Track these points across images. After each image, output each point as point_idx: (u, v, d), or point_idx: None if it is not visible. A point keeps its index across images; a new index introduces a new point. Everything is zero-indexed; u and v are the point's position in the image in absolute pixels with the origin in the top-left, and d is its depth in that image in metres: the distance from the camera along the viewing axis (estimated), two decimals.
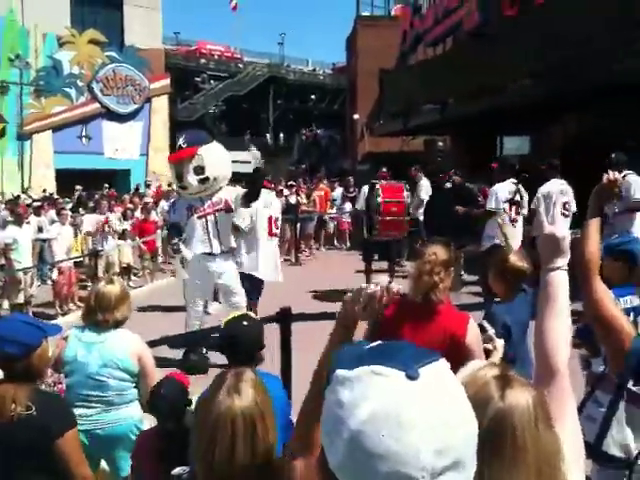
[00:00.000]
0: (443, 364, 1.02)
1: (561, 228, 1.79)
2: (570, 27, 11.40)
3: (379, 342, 1.07)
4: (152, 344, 5.18)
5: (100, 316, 3.22)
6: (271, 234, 7.42)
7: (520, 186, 7.45)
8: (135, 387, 3.39)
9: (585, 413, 2.51)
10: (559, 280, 1.73)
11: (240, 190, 7.00)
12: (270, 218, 7.37)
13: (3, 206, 14.87)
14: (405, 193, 9.44)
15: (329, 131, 44.30)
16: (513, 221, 7.39)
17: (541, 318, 1.71)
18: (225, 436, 1.58)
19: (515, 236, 7.23)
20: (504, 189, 7.47)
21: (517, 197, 7.41)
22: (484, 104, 13.88)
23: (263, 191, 7.35)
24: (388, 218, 9.19)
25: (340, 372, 1.00)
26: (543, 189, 7.74)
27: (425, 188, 11.18)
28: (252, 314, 3.20)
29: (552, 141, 14.41)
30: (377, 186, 9.54)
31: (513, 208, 7.38)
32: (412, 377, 0.95)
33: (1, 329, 2.38)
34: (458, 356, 2.73)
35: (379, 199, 9.16)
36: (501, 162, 7.95)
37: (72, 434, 2.35)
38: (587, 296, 2.36)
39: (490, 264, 3.69)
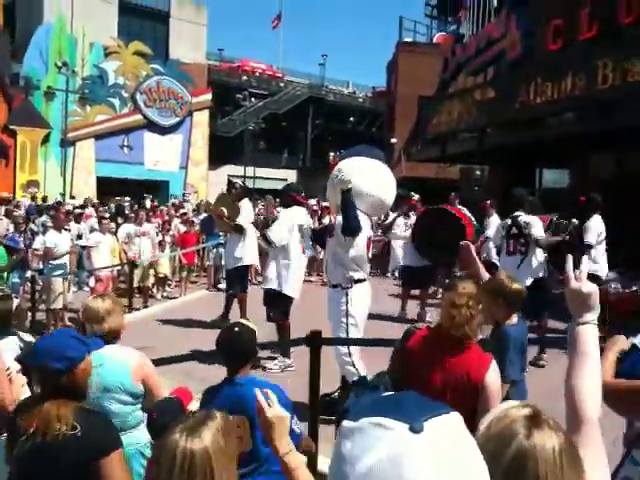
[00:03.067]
0: (453, 417, 0.97)
1: (588, 284, 1.78)
2: (614, 64, 11.38)
3: (388, 393, 1.06)
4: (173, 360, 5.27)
5: (89, 329, 3.17)
6: (303, 250, 7.50)
7: (521, 218, 7.38)
8: (141, 409, 3.24)
9: (622, 474, 2.39)
10: (588, 335, 1.72)
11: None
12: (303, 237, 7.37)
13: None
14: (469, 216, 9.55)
15: None
16: (510, 254, 7.39)
17: (571, 371, 1.70)
18: (164, 469, 1.59)
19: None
20: (500, 225, 7.83)
21: (514, 230, 7.39)
22: (523, 135, 13.84)
23: (299, 208, 7.39)
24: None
25: (345, 423, 0.98)
26: (589, 237, 7.82)
27: (494, 226, 10.24)
28: (246, 322, 3.24)
29: (591, 176, 14.29)
30: (449, 209, 9.45)
31: (511, 242, 7.39)
32: (416, 430, 0.91)
33: (46, 344, 2.35)
34: (474, 396, 2.76)
35: (461, 221, 9.05)
36: (510, 194, 7.94)
37: (117, 455, 2.28)
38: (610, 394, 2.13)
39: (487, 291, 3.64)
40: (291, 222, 7.08)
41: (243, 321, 3.27)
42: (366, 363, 5.20)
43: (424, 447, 0.89)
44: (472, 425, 2.50)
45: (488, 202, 11.40)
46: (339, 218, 5.26)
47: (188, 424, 1.65)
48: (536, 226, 7.28)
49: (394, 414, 0.93)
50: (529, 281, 6.94)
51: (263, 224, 7.30)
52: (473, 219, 9.67)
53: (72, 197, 23.90)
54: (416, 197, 10.68)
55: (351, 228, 5.13)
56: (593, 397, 1.65)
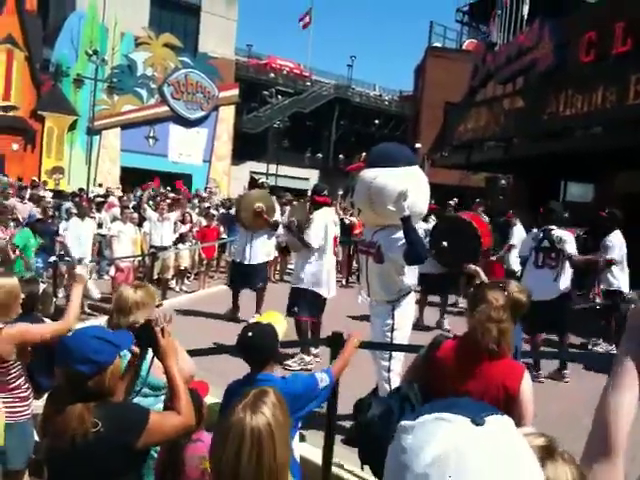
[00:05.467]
0: (508, 419, 1.00)
1: None
2: None
3: (439, 400, 1.07)
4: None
5: (116, 319, 3.13)
6: (334, 253, 7.48)
7: (554, 232, 7.31)
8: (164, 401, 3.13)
9: None
10: (631, 371, 1.63)
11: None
12: (335, 238, 7.39)
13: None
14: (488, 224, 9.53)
15: None
16: (539, 267, 7.34)
17: (609, 390, 1.63)
18: (231, 448, 1.72)
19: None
20: (529, 236, 7.64)
21: (545, 243, 7.32)
22: (551, 147, 13.74)
23: (328, 209, 7.45)
24: (485, 248, 9.19)
25: (403, 422, 0.99)
26: (612, 253, 7.86)
27: (518, 235, 10.46)
28: (273, 322, 3.25)
29: (616, 192, 14.16)
30: (466, 217, 9.47)
31: (540, 255, 7.33)
32: (478, 423, 0.93)
33: (72, 346, 2.24)
34: (509, 409, 2.71)
35: (476, 230, 9.06)
36: (546, 208, 7.87)
37: (154, 418, 2.27)
38: None
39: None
40: (324, 223, 7.13)
41: (264, 320, 3.28)
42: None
43: (488, 438, 0.92)
44: None
45: (511, 212, 11.39)
46: (385, 238, 4.83)
47: (247, 401, 1.79)
48: (570, 242, 7.23)
49: (454, 409, 0.96)
50: (556, 295, 6.92)
51: (298, 226, 7.28)
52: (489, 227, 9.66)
53: (100, 185, 23.99)
54: (452, 202, 10.64)
55: (421, 258, 4.69)
56: (624, 428, 1.58)
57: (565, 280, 7.23)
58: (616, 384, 1.64)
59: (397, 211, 4.63)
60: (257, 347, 3.02)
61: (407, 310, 5.07)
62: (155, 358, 2.77)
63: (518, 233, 10.60)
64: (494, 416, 0.96)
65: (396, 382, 4.93)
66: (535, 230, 7.64)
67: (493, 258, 10.27)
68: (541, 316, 6.89)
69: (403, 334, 5.02)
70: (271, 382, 2.90)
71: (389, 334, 5.00)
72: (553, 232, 7.27)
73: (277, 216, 9.20)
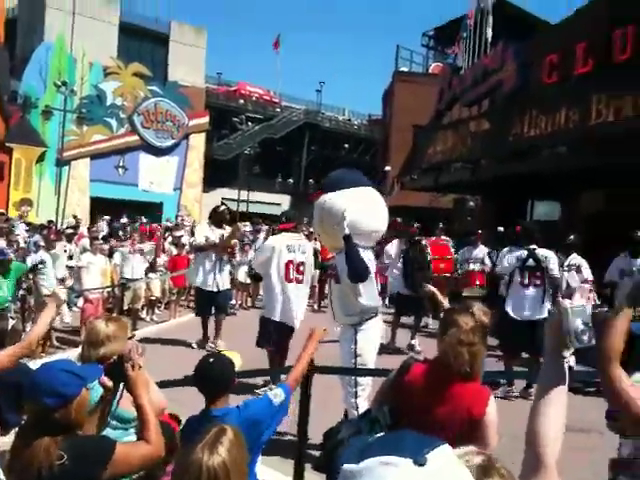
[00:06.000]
0: (447, 448, 1.04)
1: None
2: (608, 100, 11.53)
3: (381, 434, 1.09)
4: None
5: (87, 352, 3.08)
6: (288, 279, 7.04)
7: (538, 251, 7.41)
8: (135, 434, 3.05)
9: None
10: (561, 376, 1.71)
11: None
12: (288, 263, 7.04)
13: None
14: (452, 250, 9.59)
15: None
16: (525, 286, 7.40)
17: (538, 409, 1.69)
18: None
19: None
20: (512, 255, 7.52)
21: (530, 262, 7.40)
22: (517, 167, 13.95)
23: (286, 234, 7.28)
24: (436, 275, 9.28)
25: (347, 467, 1.01)
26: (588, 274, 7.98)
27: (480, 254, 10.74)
28: (228, 352, 3.26)
29: (581, 210, 14.40)
30: (424, 242, 9.65)
31: (526, 274, 7.40)
32: (421, 463, 0.96)
33: (39, 379, 2.26)
34: (474, 433, 2.74)
35: (429, 257, 9.27)
36: (523, 227, 7.97)
37: (121, 449, 2.27)
38: (607, 387, 2.25)
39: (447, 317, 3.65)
40: (271, 248, 7.06)
41: (219, 351, 3.29)
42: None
43: (430, 477, 0.96)
44: None
45: (479, 232, 11.56)
46: (340, 260, 4.90)
47: (206, 441, 1.88)
48: (555, 261, 7.37)
49: (395, 451, 0.98)
50: (544, 315, 6.98)
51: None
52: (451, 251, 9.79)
53: (74, 217, 23.50)
54: (415, 226, 10.76)
55: (360, 276, 4.79)
56: (556, 443, 1.65)
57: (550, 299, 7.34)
58: (541, 397, 1.68)
59: (339, 230, 4.76)
60: (214, 377, 3.01)
61: (370, 334, 5.04)
62: (125, 390, 2.75)
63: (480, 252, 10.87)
64: (435, 451, 0.99)
65: (364, 408, 4.92)
66: (514, 249, 7.60)
67: (456, 275, 10.27)
68: (526, 336, 6.98)
69: (366, 359, 4.99)
70: (228, 415, 2.91)
71: (352, 360, 5.00)
72: (537, 251, 7.36)
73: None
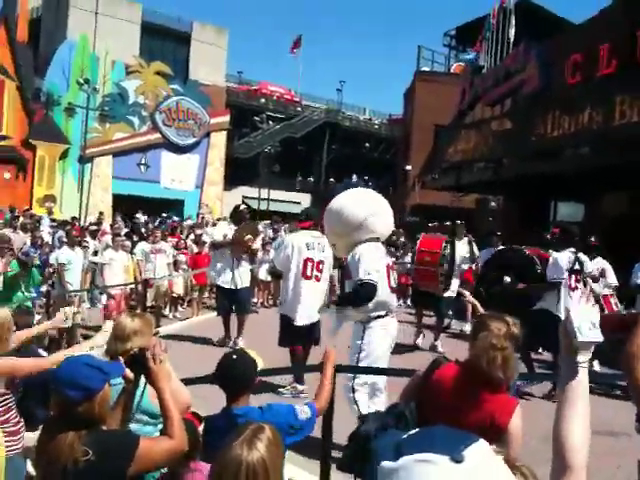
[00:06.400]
0: (484, 444, 1.03)
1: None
2: (632, 100, 11.42)
3: (415, 430, 1.09)
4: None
5: (114, 346, 3.15)
6: (306, 277, 7.06)
7: (580, 254, 7.39)
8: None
9: None
10: (578, 379, 1.70)
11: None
12: (306, 260, 7.07)
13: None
14: (443, 245, 9.35)
15: (378, 181, 44.64)
16: (573, 289, 7.32)
17: (560, 413, 1.69)
18: None
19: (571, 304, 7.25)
20: (564, 258, 7.40)
21: (576, 266, 7.34)
22: (540, 167, 13.86)
23: (307, 232, 7.31)
24: (421, 267, 9.21)
25: (386, 464, 1.01)
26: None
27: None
28: (248, 351, 3.25)
29: (604, 212, 14.27)
30: (418, 235, 9.71)
31: (572, 277, 7.33)
32: (458, 460, 0.96)
33: (63, 372, 2.30)
34: (496, 442, 2.75)
35: (415, 248, 9.29)
36: (563, 229, 7.89)
37: (144, 444, 2.30)
38: (636, 388, 2.23)
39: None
40: (290, 246, 7.09)
41: (242, 349, 3.30)
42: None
43: (469, 474, 0.95)
44: None
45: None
46: (351, 260, 5.04)
47: (244, 437, 1.88)
48: (589, 267, 7.38)
49: (432, 448, 0.98)
50: None
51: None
52: (444, 246, 9.69)
53: (100, 213, 23.63)
54: (435, 224, 10.77)
55: (367, 299, 4.91)
56: (582, 446, 1.64)
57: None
58: (565, 399, 1.67)
59: (346, 227, 5.17)
60: (235, 375, 3.01)
61: (378, 332, 5.05)
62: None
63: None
64: (472, 447, 0.99)
65: (363, 403, 4.95)
66: (564, 252, 7.46)
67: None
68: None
69: (370, 356, 5.00)
70: (249, 414, 2.91)
71: (356, 356, 5.03)
72: (580, 254, 7.34)
73: (257, 244, 9.53)
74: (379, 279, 4.94)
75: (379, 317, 5.04)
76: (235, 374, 3.02)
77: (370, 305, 4.95)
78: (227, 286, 9.17)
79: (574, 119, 13.07)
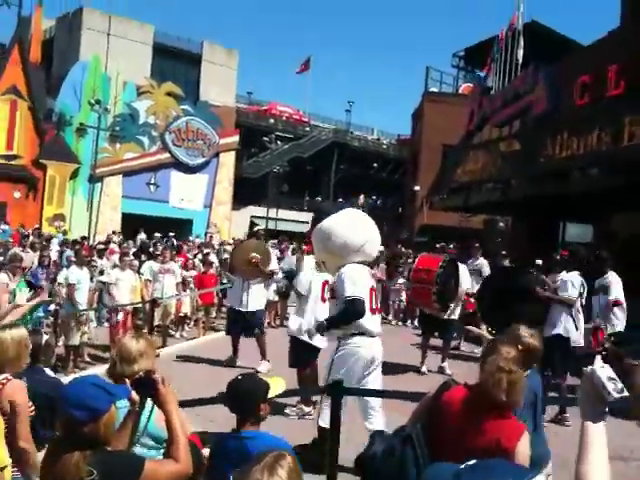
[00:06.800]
0: (541, 476, 1.05)
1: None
2: None
3: (473, 462, 1.09)
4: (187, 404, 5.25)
5: (120, 369, 3.12)
6: (324, 299, 7.08)
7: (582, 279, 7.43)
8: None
9: None
10: (595, 431, 1.73)
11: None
12: (324, 283, 7.08)
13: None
14: (440, 264, 9.28)
15: (386, 201, 44.73)
16: (579, 312, 7.38)
17: (579, 462, 1.70)
18: None
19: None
20: (577, 279, 7.42)
21: (582, 289, 7.37)
22: (548, 188, 13.85)
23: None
24: (417, 285, 9.18)
25: None
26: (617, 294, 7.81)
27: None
28: (268, 375, 3.23)
29: (615, 232, 14.22)
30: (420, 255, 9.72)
31: (581, 301, 7.36)
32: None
33: (69, 392, 2.30)
34: None
35: (412, 266, 9.26)
36: (571, 251, 7.89)
37: (149, 466, 2.30)
38: None
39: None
40: (310, 270, 7.16)
41: (267, 372, 3.29)
42: (386, 415, 5.15)
43: None
44: None
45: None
46: (337, 279, 5.29)
47: (265, 463, 1.80)
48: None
49: (495, 477, 1.03)
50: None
51: (290, 275, 7.34)
52: (440, 264, 9.63)
53: (114, 232, 23.60)
54: (451, 246, 10.75)
55: (353, 318, 5.13)
56: None
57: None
58: (589, 443, 1.69)
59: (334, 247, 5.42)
60: (242, 397, 2.99)
61: (350, 352, 5.16)
62: (158, 409, 2.77)
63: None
64: (530, 475, 1.05)
65: (325, 421, 4.92)
66: (574, 273, 7.47)
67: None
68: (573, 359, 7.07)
69: (340, 375, 5.02)
70: (257, 439, 2.89)
71: (327, 369, 5.27)
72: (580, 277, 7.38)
73: (273, 264, 9.38)
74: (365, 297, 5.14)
75: (355, 334, 5.18)
76: (241, 396, 3.00)
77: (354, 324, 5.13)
78: (237, 308, 9.22)
79: (583, 140, 13.06)
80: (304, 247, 7.78)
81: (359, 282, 5.16)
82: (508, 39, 22.19)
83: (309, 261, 7.27)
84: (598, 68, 13.93)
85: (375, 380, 5.29)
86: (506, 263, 10.36)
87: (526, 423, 3.21)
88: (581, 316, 7.40)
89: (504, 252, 11.47)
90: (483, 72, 26.28)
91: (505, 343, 2.97)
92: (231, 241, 20.61)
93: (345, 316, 5.13)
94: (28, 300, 4.91)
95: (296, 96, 59.24)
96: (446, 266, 9.11)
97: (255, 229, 9.91)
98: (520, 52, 21.10)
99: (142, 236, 20.87)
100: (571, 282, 7.35)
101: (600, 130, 12.57)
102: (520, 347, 3.16)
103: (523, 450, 2.75)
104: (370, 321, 5.22)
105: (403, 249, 17.98)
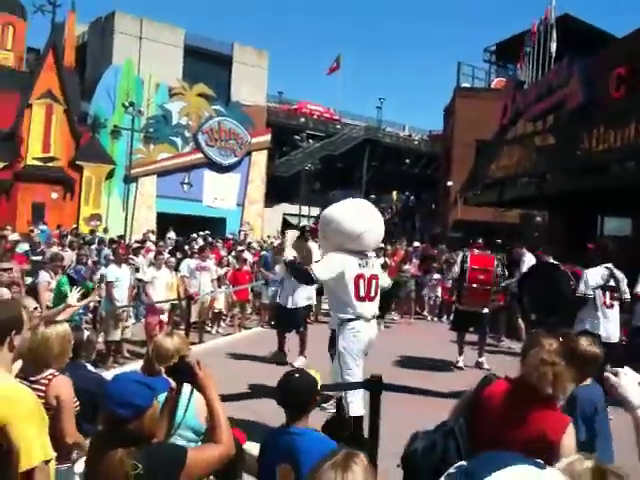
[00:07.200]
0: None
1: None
2: None
3: (479, 457, 1.13)
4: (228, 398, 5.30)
5: (158, 367, 3.20)
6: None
7: (615, 270, 7.23)
8: None
9: None
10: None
11: None
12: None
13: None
14: (496, 263, 9.35)
15: (419, 197, 44.48)
16: (609, 307, 7.20)
17: None
18: None
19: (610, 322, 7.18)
20: (596, 274, 7.28)
21: (612, 282, 7.20)
22: (584, 182, 13.65)
23: None
24: (474, 286, 9.11)
25: None
26: None
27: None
28: (309, 369, 3.24)
29: None
30: (466, 254, 9.61)
31: (607, 294, 7.19)
32: (542, 467, 1.04)
33: (112, 390, 2.30)
34: (548, 457, 2.70)
35: (466, 266, 9.17)
36: (598, 245, 7.75)
37: (192, 455, 2.31)
38: None
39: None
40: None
41: (304, 368, 3.30)
42: (423, 411, 5.13)
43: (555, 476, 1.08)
44: None
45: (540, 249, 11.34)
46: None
47: (337, 461, 1.75)
48: (625, 284, 7.21)
49: (512, 464, 1.06)
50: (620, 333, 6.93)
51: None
52: (496, 264, 9.57)
53: (152, 232, 23.62)
54: (480, 241, 10.65)
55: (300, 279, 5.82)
56: None
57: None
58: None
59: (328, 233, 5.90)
60: (297, 394, 3.00)
61: (348, 337, 5.55)
62: (197, 401, 2.80)
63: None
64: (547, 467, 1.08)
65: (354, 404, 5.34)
66: (597, 268, 7.36)
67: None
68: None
69: (347, 359, 5.49)
70: (305, 436, 2.91)
71: (337, 360, 5.67)
72: (615, 271, 7.20)
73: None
74: (329, 279, 5.60)
75: (349, 320, 5.54)
76: (297, 393, 3.00)
77: (337, 310, 5.64)
78: (282, 304, 9.43)
79: (620, 133, 12.84)
80: None
81: (330, 266, 5.58)
82: (540, 33, 21.89)
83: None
84: (634, 59, 13.68)
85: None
86: (550, 259, 10.17)
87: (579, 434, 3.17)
88: (610, 310, 7.21)
89: (544, 247, 11.30)
90: (515, 66, 25.97)
91: (546, 336, 2.95)
92: (266, 239, 20.68)
93: (298, 272, 5.74)
94: (78, 300, 5.01)
95: (326, 95, 59.29)
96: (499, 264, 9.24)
97: (304, 229, 9.98)
98: (553, 45, 20.80)
99: (171, 234, 21.00)
100: (585, 278, 7.26)
101: (637, 123, 12.35)
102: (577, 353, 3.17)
103: (569, 443, 2.72)
104: (361, 307, 5.58)
105: (435, 251, 17.76)
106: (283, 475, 2.84)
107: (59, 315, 4.28)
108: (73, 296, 4.88)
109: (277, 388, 3.06)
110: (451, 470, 1.14)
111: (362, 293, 5.61)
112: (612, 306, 7.20)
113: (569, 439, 2.74)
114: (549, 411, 2.79)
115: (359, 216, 5.66)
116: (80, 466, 3.07)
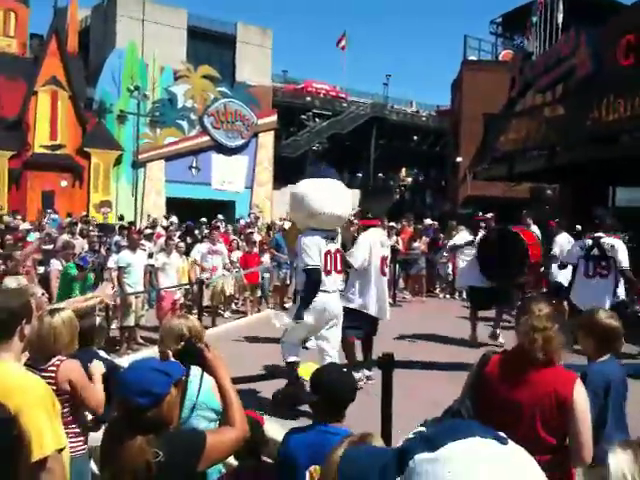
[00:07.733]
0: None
1: None
2: None
3: (439, 424, 1.11)
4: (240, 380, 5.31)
5: (173, 348, 3.07)
6: (383, 273, 7.28)
7: (604, 240, 7.16)
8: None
9: None
10: None
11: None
12: (383, 258, 7.24)
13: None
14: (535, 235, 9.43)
15: (429, 172, 44.27)
16: (590, 276, 7.20)
17: None
18: None
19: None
20: (577, 244, 7.43)
21: (595, 252, 7.17)
22: (595, 153, 13.50)
23: (377, 230, 7.46)
24: (534, 261, 8.99)
25: (423, 456, 1.02)
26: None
27: (559, 245, 9.83)
28: (339, 365, 3.18)
29: None
30: (514, 230, 9.29)
31: (590, 264, 7.19)
32: (504, 442, 1.03)
33: (129, 378, 2.26)
34: (562, 418, 2.72)
35: (524, 243, 8.69)
36: (596, 216, 7.68)
37: (211, 439, 2.29)
38: None
39: (579, 322, 3.59)
40: (368, 244, 7.11)
41: (339, 364, 3.22)
42: (438, 389, 5.13)
43: (515, 453, 1.04)
44: (563, 452, 2.44)
45: (553, 221, 11.19)
46: (298, 242, 5.98)
47: (353, 440, 1.74)
48: (622, 250, 7.07)
49: (476, 435, 1.03)
50: (608, 304, 6.74)
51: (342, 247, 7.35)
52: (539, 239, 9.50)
53: (165, 217, 23.58)
54: (489, 215, 10.49)
55: (314, 286, 5.90)
56: None
57: (619, 289, 7.06)
58: None
59: (303, 211, 6.12)
60: (343, 394, 2.88)
61: (314, 310, 5.90)
62: (209, 382, 2.78)
63: (560, 242, 10.18)
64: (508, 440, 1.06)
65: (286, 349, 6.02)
66: (582, 238, 7.46)
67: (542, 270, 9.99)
68: None
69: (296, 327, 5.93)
70: (339, 436, 2.79)
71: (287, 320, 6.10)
72: (603, 240, 7.11)
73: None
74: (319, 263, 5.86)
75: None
76: (341, 393, 2.89)
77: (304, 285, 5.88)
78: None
79: (630, 102, 12.67)
80: (362, 222, 7.78)
81: (312, 251, 5.85)
82: (547, 3, 21.59)
83: (372, 236, 7.26)
84: None
85: (334, 334, 6.08)
86: (563, 233, 10.02)
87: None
88: (591, 280, 7.19)
89: (558, 220, 11.14)
90: (522, 38, 25.64)
91: (536, 302, 2.94)
92: (278, 221, 20.58)
93: (309, 288, 5.84)
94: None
95: (332, 72, 58.88)
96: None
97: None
98: (560, 16, 20.51)
99: (173, 218, 20.93)
100: (570, 247, 7.44)
101: None
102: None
103: (581, 397, 2.71)
104: (326, 280, 5.93)
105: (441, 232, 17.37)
106: (315, 477, 2.73)
107: (84, 303, 4.24)
108: (104, 288, 4.88)
109: (316, 385, 2.93)
110: (410, 435, 1.13)
111: (328, 267, 5.99)
112: (594, 276, 7.14)
113: (581, 393, 2.74)
114: (549, 371, 2.79)
115: (319, 195, 5.95)
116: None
